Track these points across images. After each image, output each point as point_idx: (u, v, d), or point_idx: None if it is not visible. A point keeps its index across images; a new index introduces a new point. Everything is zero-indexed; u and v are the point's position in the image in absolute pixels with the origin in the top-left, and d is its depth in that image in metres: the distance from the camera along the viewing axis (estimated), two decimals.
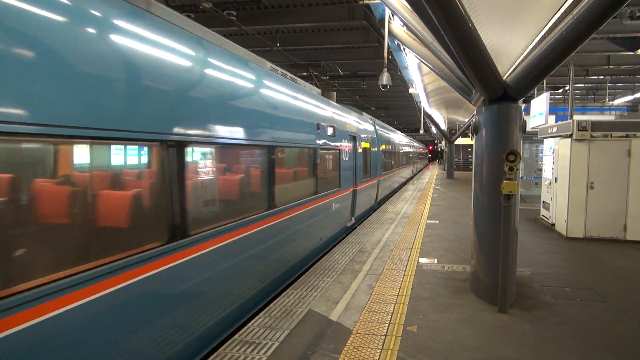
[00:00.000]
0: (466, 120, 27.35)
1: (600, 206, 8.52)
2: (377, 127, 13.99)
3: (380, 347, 3.90)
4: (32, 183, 2.39)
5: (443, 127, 32.20)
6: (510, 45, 5.19)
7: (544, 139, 10.84)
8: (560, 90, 20.56)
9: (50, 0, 2.42)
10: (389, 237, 8.61)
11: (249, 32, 11.88)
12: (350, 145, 9.50)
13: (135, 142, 3.01)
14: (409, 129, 54.21)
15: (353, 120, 10.26)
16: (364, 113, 13.19)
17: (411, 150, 28.43)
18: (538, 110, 12.16)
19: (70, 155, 2.61)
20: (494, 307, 4.88)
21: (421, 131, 34.67)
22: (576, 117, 9.72)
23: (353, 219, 9.88)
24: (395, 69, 17.28)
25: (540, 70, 4.62)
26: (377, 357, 3.71)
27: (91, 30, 2.64)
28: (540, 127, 11.40)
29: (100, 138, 2.70)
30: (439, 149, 59.05)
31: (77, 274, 2.49)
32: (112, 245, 2.82)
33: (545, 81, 14.13)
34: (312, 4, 12.27)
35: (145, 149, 3.16)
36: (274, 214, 5.24)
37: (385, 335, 4.13)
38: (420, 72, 15.11)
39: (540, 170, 12.12)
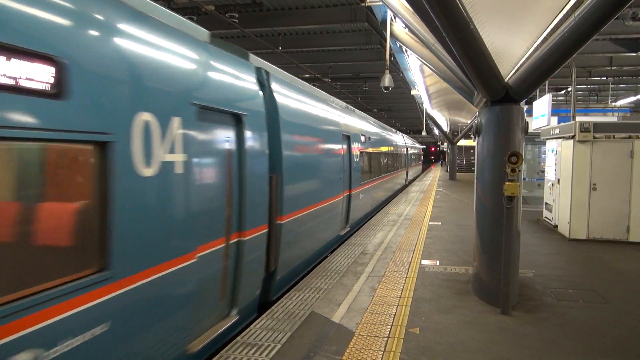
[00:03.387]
0: (468, 121, 27.32)
1: (602, 208, 8.49)
2: None
3: (382, 349, 3.89)
4: None
5: (445, 128, 32.17)
6: (512, 47, 5.20)
7: (547, 141, 10.83)
8: (563, 92, 20.54)
9: None
10: (392, 239, 8.60)
11: (250, 35, 11.92)
12: None
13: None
14: (411, 130, 54.20)
15: None
16: None
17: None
18: (540, 112, 12.16)
19: None
20: (496, 308, 4.87)
21: (423, 132, 34.69)
22: (579, 119, 9.71)
23: None
24: (397, 70, 17.29)
25: (543, 72, 4.63)
26: (380, 359, 3.70)
27: None
28: (542, 128, 11.40)
29: None
30: (441, 150, 58.51)
31: None
32: None
33: (547, 82, 14.12)
34: (313, 6, 12.30)
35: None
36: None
37: (388, 337, 4.13)
38: (422, 74, 15.12)
39: (543, 171, 12.10)
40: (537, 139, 12.57)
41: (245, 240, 4.24)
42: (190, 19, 10.29)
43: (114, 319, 2.64)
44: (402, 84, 21.28)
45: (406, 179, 23.50)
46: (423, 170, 43.06)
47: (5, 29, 2.03)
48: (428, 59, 8.11)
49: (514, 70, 5.13)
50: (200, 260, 3.46)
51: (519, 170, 4.70)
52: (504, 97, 4.95)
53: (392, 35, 9.75)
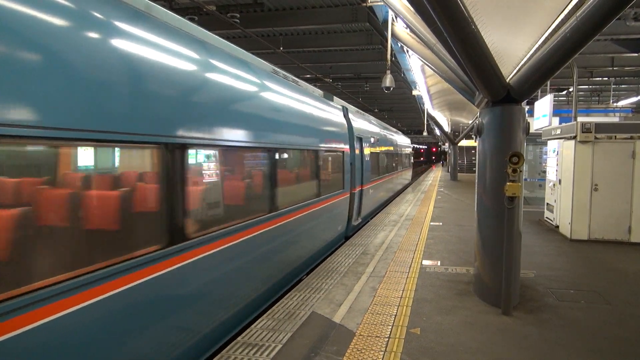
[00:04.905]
0: (469, 122, 27.30)
1: (604, 208, 8.48)
2: None
3: (383, 349, 3.89)
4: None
5: (446, 129, 32.15)
6: (513, 47, 5.19)
7: (548, 141, 10.81)
8: (564, 92, 20.50)
9: None
10: (393, 239, 8.60)
11: (251, 35, 11.93)
12: None
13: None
14: (412, 130, 54.20)
15: None
16: None
17: None
18: (542, 112, 12.14)
19: None
20: (497, 309, 4.86)
21: (424, 133, 34.66)
22: (580, 119, 9.70)
23: None
24: (398, 71, 17.30)
25: (544, 72, 4.62)
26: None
27: None
28: (544, 129, 11.38)
29: None
30: (443, 151, 58.45)
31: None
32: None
33: (549, 83, 14.10)
34: (315, 6, 12.31)
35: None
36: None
37: (389, 338, 4.13)
38: (423, 74, 15.12)
39: (544, 172, 12.08)
40: (538, 140, 12.55)
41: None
42: (192, 19, 10.32)
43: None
44: (404, 84, 21.28)
45: (351, 220, 9.52)
46: (422, 173, 42.23)
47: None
48: (429, 59, 8.11)
49: (515, 71, 5.12)
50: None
51: (520, 171, 4.69)
52: (505, 98, 4.95)
53: (393, 35, 9.74)
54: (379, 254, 7.36)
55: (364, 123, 11.31)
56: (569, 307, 5.03)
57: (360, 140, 10.20)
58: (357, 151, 9.71)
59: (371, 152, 11.71)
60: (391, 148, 16.51)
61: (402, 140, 21.76)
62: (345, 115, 9.37)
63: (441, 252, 7.65)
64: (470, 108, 19.96)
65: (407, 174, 24.09)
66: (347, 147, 8.92)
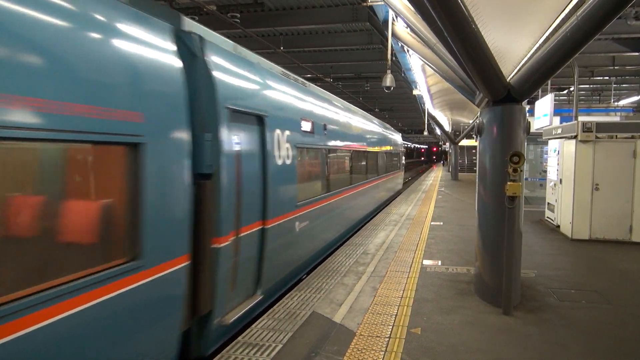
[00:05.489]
0: (470, 121, 27.28)
1: (605, 208, 8.46)
2: None
3: (384, 349, 3.89)
4: None
5: (447, 128, 32.12)
6: (514, 47, 5.18)
7: (549, 140, 10.80)
8: (565, 92, 20.46)
9: None
10: (393, 239, 8.59)
11: (252, 35, 11.93)
12: None
13: None
14: (413, 130, 54.17)
15: None
16: None
17: None
18: (542, 112, 12.13)
19: None
20: (498, 309, 4.86)
21: (425, 132, 34.66)
22: (581, 119, 9.68)
23: None
24: (399, 70, 17.29)
25: (545, 72, 4.61)
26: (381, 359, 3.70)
27: None
28: (544, 128, 11.36)
29: None
30: (443, 151, 58.39)
31: None
32: None
33: (549, 82, 14.08)
34: (315, 6, 12.30)
35: None
36: None
37: (389, 338, 4.12)
38: (424, 74, 15.11)
39: (545, 171, 12.07)
40: (539, 139, 12.53)
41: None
42: (192, 19, 10.32)
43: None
44: (404, 83, 21.26)
45: (210, 322, 3.92)
46: (422, 173, 42.03)
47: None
48: (430, 59, 8.10)
49: (515, 70, 5.12)
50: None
51: (521, 170, 4.69)
52: (505, 97, 4.94)
53: (393, 35, 9.74)
54: (379, 254, 7.36)
55: (277, 87, 5.55)
56: (570, 307, 5.02)
57: (261, 120, 4.86)
58: (236, 144, 4.26)
59: (305, 148, 6.54)
60: (365, 146, 11.38)
61: (387, 134, 15.91)
62: (193, 54, 3.81)
63: (442, 251, 7.65)
64: (471, 108, 19.93)
65: (396, 180, 18.40)
66: (178, 135, 3.42)
